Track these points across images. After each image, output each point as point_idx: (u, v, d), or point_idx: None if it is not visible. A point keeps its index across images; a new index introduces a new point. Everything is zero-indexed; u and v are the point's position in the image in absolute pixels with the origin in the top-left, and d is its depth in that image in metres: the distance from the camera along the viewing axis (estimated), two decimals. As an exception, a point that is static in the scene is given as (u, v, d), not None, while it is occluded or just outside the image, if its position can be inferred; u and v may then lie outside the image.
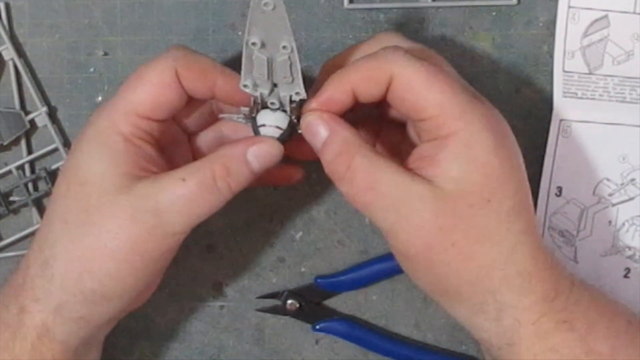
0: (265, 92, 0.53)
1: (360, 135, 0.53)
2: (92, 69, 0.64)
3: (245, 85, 0.53)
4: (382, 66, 0.51)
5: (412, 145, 0.55)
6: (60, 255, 0.52)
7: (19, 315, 0.53)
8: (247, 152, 0.52)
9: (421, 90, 0.50)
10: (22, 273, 0.54)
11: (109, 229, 0.51)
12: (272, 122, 0.53)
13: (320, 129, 0.52)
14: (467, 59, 0.63)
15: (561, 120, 0.63)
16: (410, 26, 0.63)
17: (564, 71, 0.63)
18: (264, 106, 0.54)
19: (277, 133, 0.53)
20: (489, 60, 0.64)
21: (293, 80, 0.52)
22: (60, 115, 0.65)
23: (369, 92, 0.52)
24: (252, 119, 0.54)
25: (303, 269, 0.66)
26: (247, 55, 0.52)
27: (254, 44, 0.50)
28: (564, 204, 0.64)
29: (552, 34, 0.63)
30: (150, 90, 0.52)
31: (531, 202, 0.53)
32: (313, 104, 0.53)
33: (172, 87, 0.53)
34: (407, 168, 0.51)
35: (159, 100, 0.52)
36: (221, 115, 0.57)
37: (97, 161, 0.52)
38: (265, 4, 0.48)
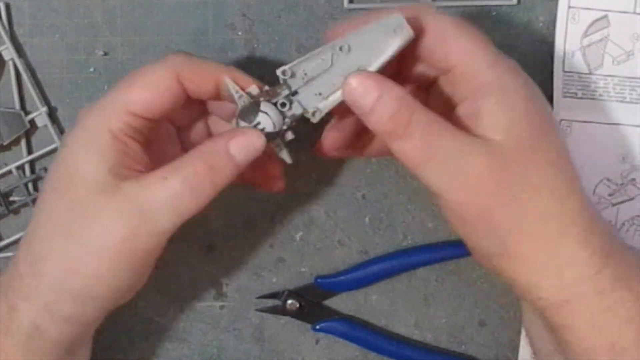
0: (286, 91, 0.53)
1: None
2: (92, 69, 0.64)
3: (284, 72, 0.52)
4: (415, 14, 0.51)
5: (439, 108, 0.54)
6: (48, 253, 0.52)
7: (9, 313, 0.52)
8: (230, 145, 0.51)
9: (453, 38, 0.51)
10: (11, 270, 0.54)
11: (94, 230, 0.51)
12: (274, 115, 0.53)
13: (370, 88, 0.51)
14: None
15: (561, 120, 0.63)
16: (410, 26, 0.63)
17: (564, 71, 0.63)
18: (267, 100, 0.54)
19: (271, 126, 0.53)
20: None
21: (321, 96, 0.53)
22: (60, 115, 0.65)
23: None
24: (256, 104, 0.53)
25: (303, 269, 0.66)
26: (317, 52, 0.52)
27: (341, 48, 0.52)
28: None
29: (552, 34, 0.63)
30: (146, 90, 0.52)
31: (570, 156, 0.52)
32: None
33: (171, 88, 0.52)
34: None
35: (154, 100, 0.52)
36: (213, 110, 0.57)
37: (83, 158, 0.51)
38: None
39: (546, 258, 0.50)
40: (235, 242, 0.66)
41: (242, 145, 0.52)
